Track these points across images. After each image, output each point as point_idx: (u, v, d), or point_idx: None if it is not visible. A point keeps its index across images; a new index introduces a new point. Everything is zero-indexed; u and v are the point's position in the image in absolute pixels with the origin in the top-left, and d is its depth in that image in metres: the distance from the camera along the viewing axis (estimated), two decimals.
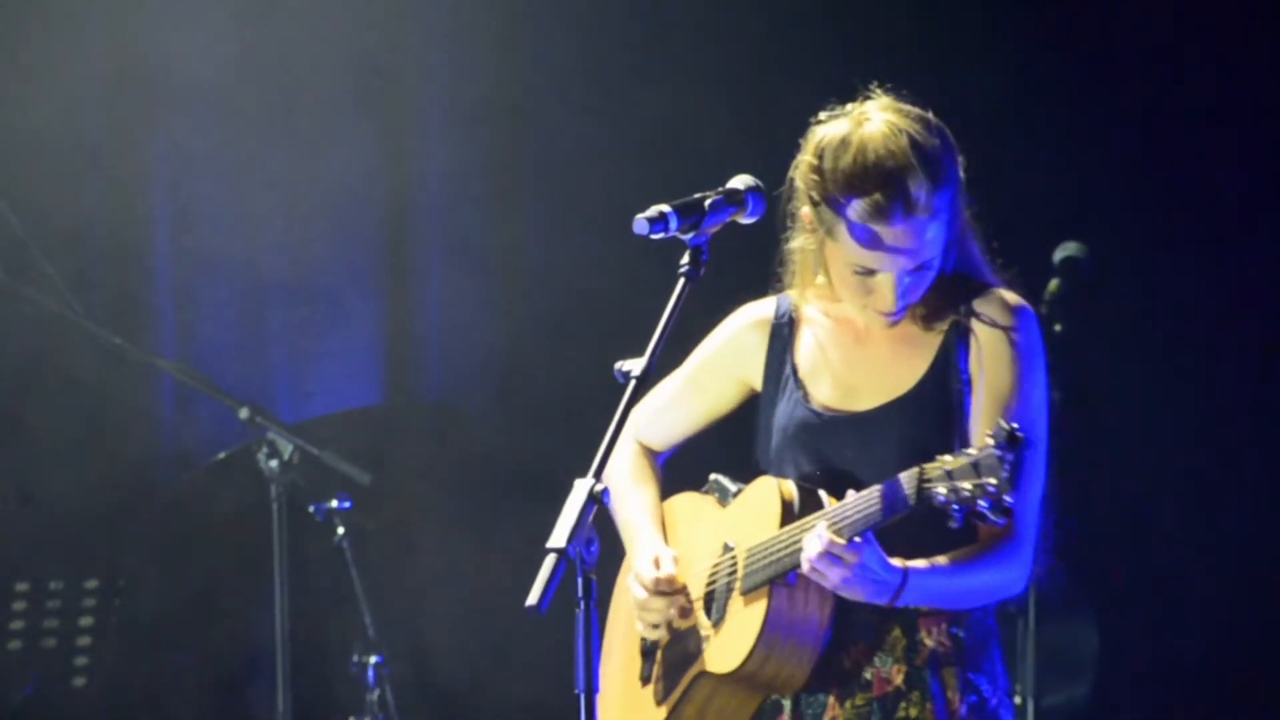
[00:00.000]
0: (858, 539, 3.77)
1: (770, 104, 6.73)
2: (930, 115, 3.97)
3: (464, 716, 6.92)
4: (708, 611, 4.09)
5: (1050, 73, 6.77)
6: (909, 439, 3.89)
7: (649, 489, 4.28)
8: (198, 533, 6.63)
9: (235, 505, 6.42)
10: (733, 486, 4.17)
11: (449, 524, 6.85)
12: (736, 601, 3.99)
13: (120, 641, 6.21)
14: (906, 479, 3.73)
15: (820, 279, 4.05)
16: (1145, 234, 6.70)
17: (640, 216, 3.69)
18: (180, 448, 6.97)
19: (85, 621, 6.11)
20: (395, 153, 7.25)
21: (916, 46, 6.73)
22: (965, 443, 3.90)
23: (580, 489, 3.52)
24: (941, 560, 3.88)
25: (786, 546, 3.90)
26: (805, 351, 4.12)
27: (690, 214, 3.73)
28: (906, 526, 3.82)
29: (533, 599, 3.40)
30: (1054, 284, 5.96)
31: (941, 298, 4.01)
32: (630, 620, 4.21)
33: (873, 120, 3.93)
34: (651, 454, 4.34)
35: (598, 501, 3.51)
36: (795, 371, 4.10)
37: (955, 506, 3.64)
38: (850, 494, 3.83)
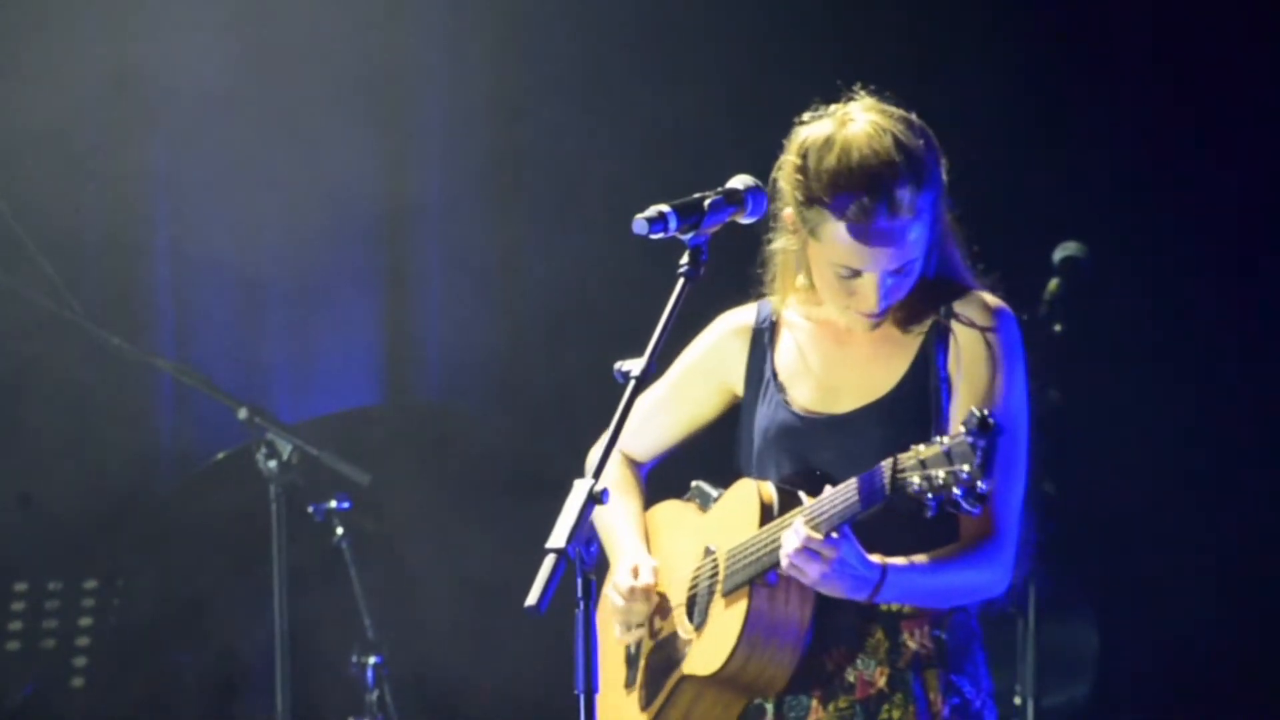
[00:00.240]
0: (835, 534, 3.78)
1: (770, 104, 6.69)
2: (914, 116, 3.98)
3: (463, 717, 6.92)
4: (690, 616, 4.09)
5: (1050, 73, 6.76)
6: (888, 440, 3.89)
7: (632, 498, 4.28)
8: (196, 533, 6.62)
9: (234, 506, 6.41)
10: (714, 492, 4.18)
11: (448, 524, 6.84)
12: (718, 604, 4.00)
13: (119, 642, 6.20)
14: (883, 469, 3.74)
15: (802, 280, 4.06)
16: (1145, 234, 6.69)
17: (639, 216, 3.69)
18: (179, 448, 6.96)
19: (84, 622, 6.11)
20: (394, 153, 7.25)
21: (916, 46, 6.73)
22: None
23: (579, 489, 3.53)
24: (921, 558, 3.89)
25: (766, 545, 3.90)
26: (786, 355, 4.13)
27: (690, 214, 3.72)
28: (887, 527, 3.84)
29: (532, 599, 3.40)
30: (1054, 284, 5.95)
31: (922, 300, 4.02)
32: (610, 629, 4.21)
33: (856, 121, 3.94)
34: (634, 464, 4.34)
35: (597, 501, 3.52)
36: (775, 375, 4.11)
37: (929, 495, 3.65)
38: (827, 489, 3.84)
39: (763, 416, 4.09)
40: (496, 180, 7.24)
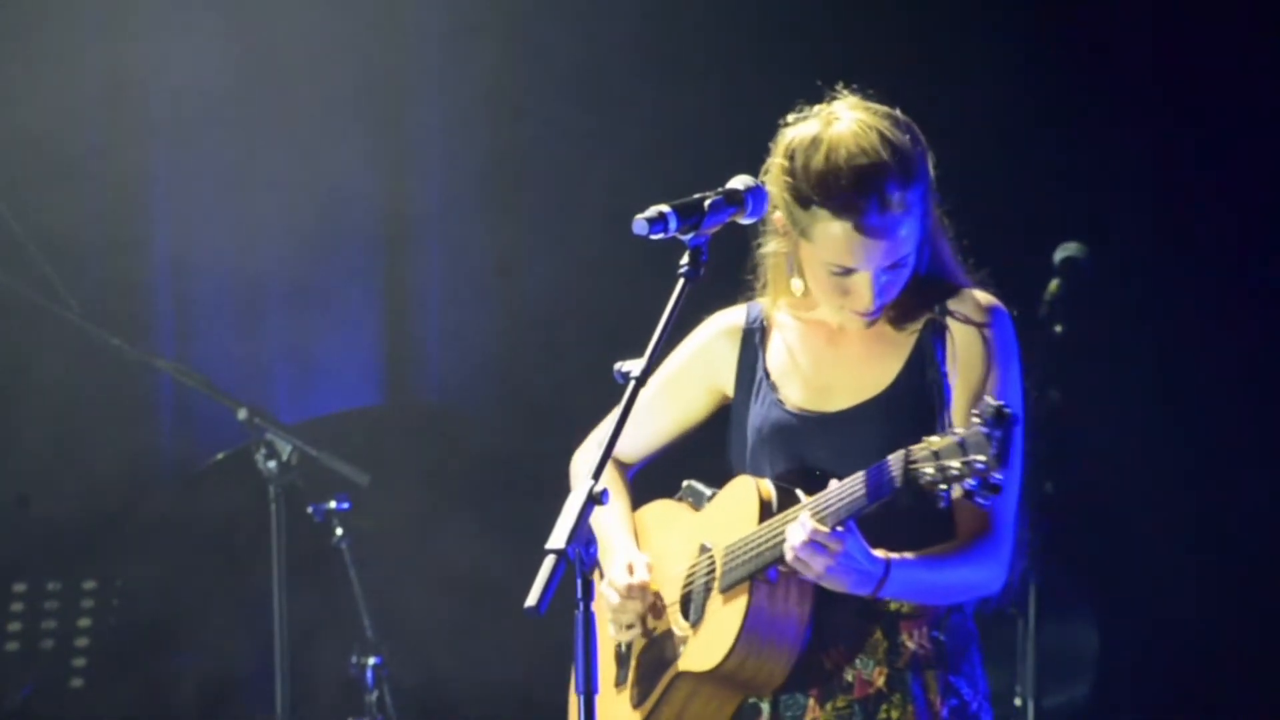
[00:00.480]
0: (840, 528, 3.78)
1: (770, 106, 6.72)
2: (898, 112, 3.98)
3: (462, 717, 6.91)
4: (685, 613, 4.09)
5: (1051, 73, 6.76)
6: (885, 437, 3.89)
7: (620, 499, 4.27)
8: (196, 534, 6.61)
9: (233, 506, 6.41)
10: (707, 491, 4.18)
11: (448, 525, 6.84)
12: (715, 600, 4.00)
13: (118, 643, 6.20)
14: (893, 461, 3.74)
15: (796, 283, 4.06)
16: (1145, 234, 6.69)
17: (639, 217, 3.69)
18: (179, 449, 6.96)
19: (83, 623, 6.11)
20: (394, 153, 7.24)
21: (916, 47, 6.72)
22: None
23: (579, 490, 3.52)
24: (923, 554, 3.89)
25: (767, 541, 3.90)
26: (777, 355, 4.13)
27: (690, 214, 3.72)
28: (884, 524, 3.84)
29: (532, 600, 3.40)
30: (1054, 284, 5.95)
31: (914, 298, 4.02)
32: (603, 627, 4.20)
33: (842, 119, 3.94)
34: (621, 466, 4.32)
35: (597, 502, 3.51)
36: (768, 374, 4.11)
37: (942, 486, 3.65)
38: (832, 483, 3.84)
39: (756, 415, 4.09)
40: (496, 181, 7.24)
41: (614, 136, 6.96)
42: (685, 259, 3.72)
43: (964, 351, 3.97)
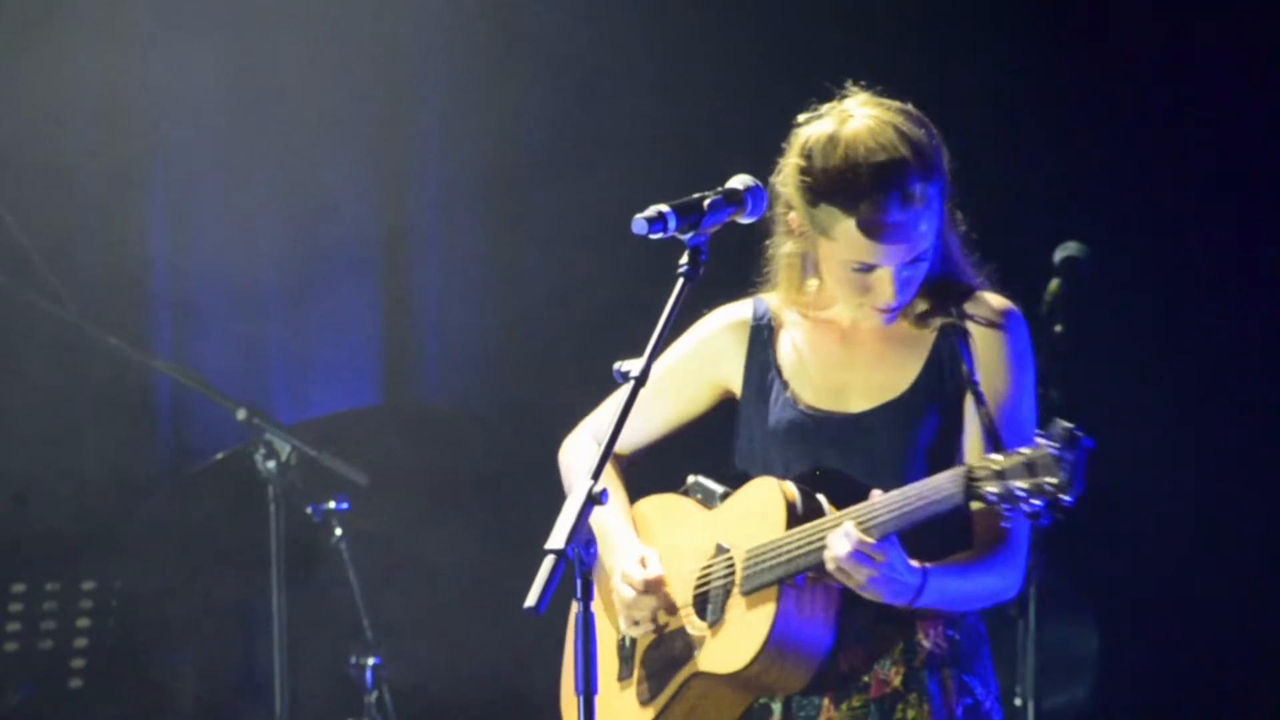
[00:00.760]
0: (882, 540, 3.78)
1: (769, 106, 6.71)
2: (910, 106, 3.97)
3: (461, 718, 6.91)
4: (700, 613, 4.07)
5: (1051, 72, 6.76)
6: (906, 440, 3.89)
7: (617, 491, 4.25)
8: (195, 534, 6.61)
9: (233, 507, 6.40)
10: (718, 488, 4.16)
11: (447, 525, 6.84)
12: (737, 603, 3.98)
13: (117, 643, 6.20)
14: (951, 478, 3.73)
15: (813, 283, 4.05)
16: (1146, 234, 6.69)
17: (639, 216, 3.68)
18: (178, 449, 6.95)
19: (82, 623, 6.10)
20: (392, 154, 7.24)
21: (916, 46, 6.72)
22: (960, 445, 3.90)
23: (578, 490, 3.51)
24: (953, 563, 3.89)
25: (799, 547, 3.88)
26: (788, 353, 4.11)
27: (689, 214, 3.71)
28: (907, 533, 3.82)
29: (531, 600, 3.39)
30: (1054, 284, 5.94)
31: (927, 300, 4.01)
32: (601, 620, 4.18)
33: (856, 117, 3.94)
34: (615, 457, 4.28)
35: (596, 502, 3.50)
36: (780, 373, 4.09)
37: (1007, 506, 3.64)
38: (875, 493, 3.82)
39: (769, 415, 4.07)
40: (494, 181, 7.23)
41: (612, 137, 6.95)
42: (685, 259, 3.71)
43: (984, 356, 3.97)
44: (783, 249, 4.08)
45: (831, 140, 3.93)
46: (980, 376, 3.95)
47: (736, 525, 4.04)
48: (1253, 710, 6.64)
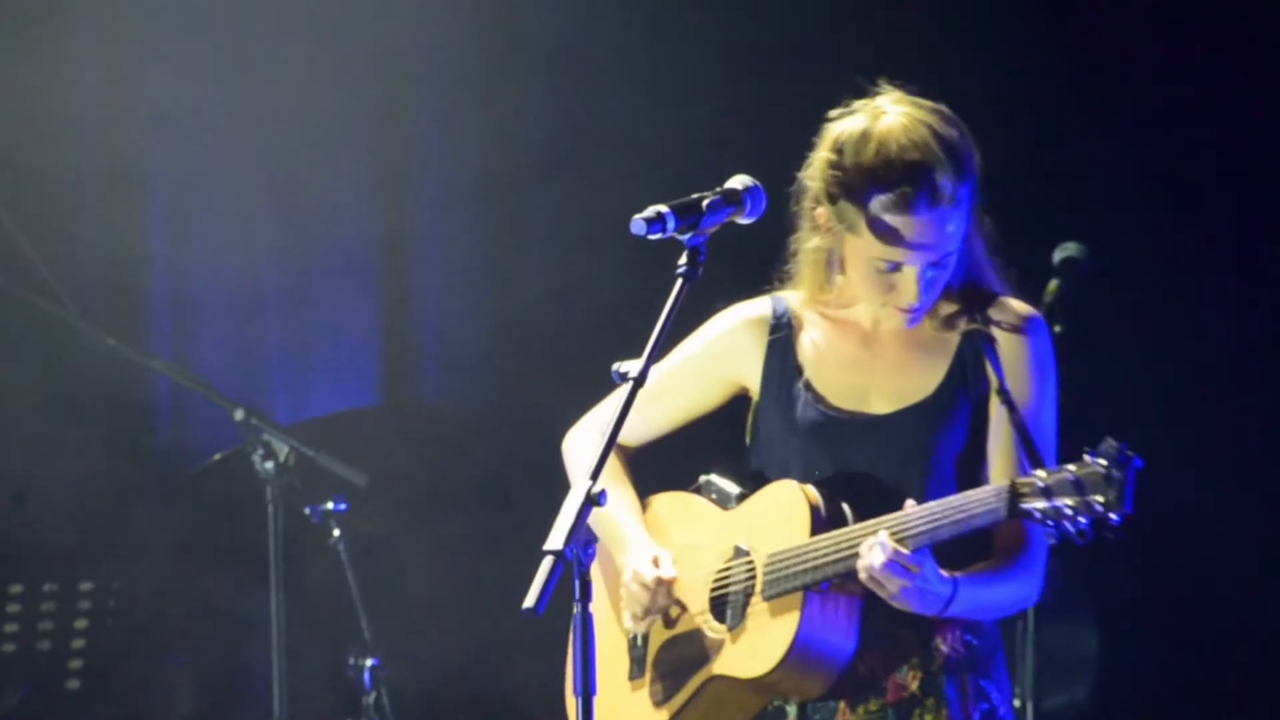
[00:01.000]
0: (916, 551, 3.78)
1: (769, 107, 6.72)
2: (944, 107, 3.96)
3: (459, 719, 6.91)
4: (718, 615, 4.06)
5: (1050, 72, 6.75)
6: (929, 444, 3.90)
7: (627, 487, 4.24)
8: (193, 534, 6.61)
9: (231, 507, 6.39)
10: (733, 489, 4.14)
11: (445, 526, 6.83)
12: (759, 608, 3.96)
13: (115, 644, 6.19)
14: (994, 493, 3.72)
15: (839, 280, 4.03)
16: (1145, 234, 6.68)
17: (638, 217, 3.67)
18: (175, 449, 6.95)
19: (80, 624, 6.09)
20: (392, 154, 7.23)
21: (915, 45, 6.71)
22: (984, 451, 3.90)
23: (577, 491, 3.50)
24: (980, 572, 3.88)
25: (826, 554, 3.87)
26: (809, 353, 4.09)
27: (688, 214, 3.70)
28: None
29: (530, 601, 3.38)
30: (1053, 285, 5.93)
31: (954, 304, 4.00)
32: (610, 619, 4.17)
33: (889, 114, 3.93)
34: (622, 451, 4.28)
35: (595, 503, 3.49)
36: (801, 372, 4.07)
37: (1051, 523, 3.63)
38: (909, 504, 3.81)
39: (788, 414, 4.05)
40: (493, 182, 7.22)
41: (613, 136, 6.95)
42: (683, 259, 3.70)
43: (1007, 362, 3.96)
44: (808, 244, 4.06)
45: (864, 136, 3.92)
46: (1007, 383, 3.94)
47: (756, 528, 4.03)
48: (1253, 710, 6.63)
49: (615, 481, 4.23)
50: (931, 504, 3.78)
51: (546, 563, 3.42)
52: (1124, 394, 6.61)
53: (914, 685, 3.95)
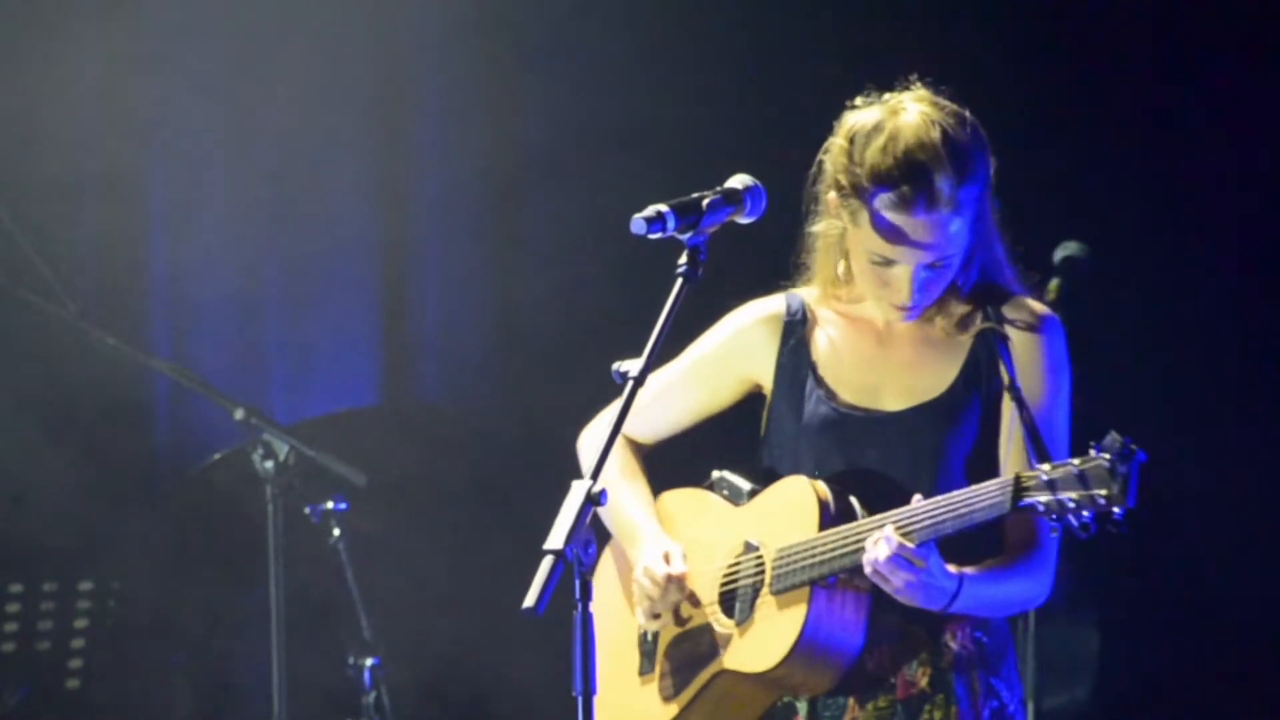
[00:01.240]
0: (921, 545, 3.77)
1: (769, 107, 6.71)
2: (966, 112, 3.96)
3: (460, 718, 6.90)
4: (727, 610, 4.05)
5: (1051, 70, 6.75)
6: (940, 442, 3.90)
7: (640, 483, 4.25)
8: (192, 534, 6.61)
9: (230, 506, 6.39)
10: (745, 485, 4.14)
11: (445, 525, 6.83)
12: (767, 602, 3.96)
13: (114, 643, 6.19)
14: (999, 486, 3.71)
15: (842, 268, 4.03)
16: (1147, 233, 6.68)
17: (638, 216, 3.67)
18: (175, 449, 6.94)
19: (80, 623, 6.09)
20: (393, 153, 7.23)
21: (917, 44, 6.70)
22: (995, 450, 3.89)
23: (577, 490, 3.50)
24: (987, 568, 3.88)
25: (833, 549, 3.87)
26: (823, 350, 4.09)
27: (688, 214, 3.71)
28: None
29: (530, 600, 3.38)
30: (1054, 284, 5.93)
31: (969, 303, 4.00)
32: (622, 614, 4.18)
33: (907, 111, 3.93)
34: (637, 448, 4.29)
35: (595, 503, 3.50)
36: (814, 370, 4.07)
37: (1055, 516, 3.62)
38: (916, 498, 3.80)
39: (801, 411, 4.05)
40: (495, 181, 7.22)
41: (613, 137, 6.94)
42: (683, 258, 3.70)
43: (1020, 361, 3.96)
44: (818, 227, 4.07)
45: (875, 129, 3.92)
46: (1020, 382, 3.93)
47: (766, 523, 4.03)
48: (1255, 710, 6.63)
49: (630, 478, 4.24)
50: (939, 498, 3.78)
51: (546, 562, 3.42)
52: (1125, 393, 6.60)
53: (923, 682, 3.95)
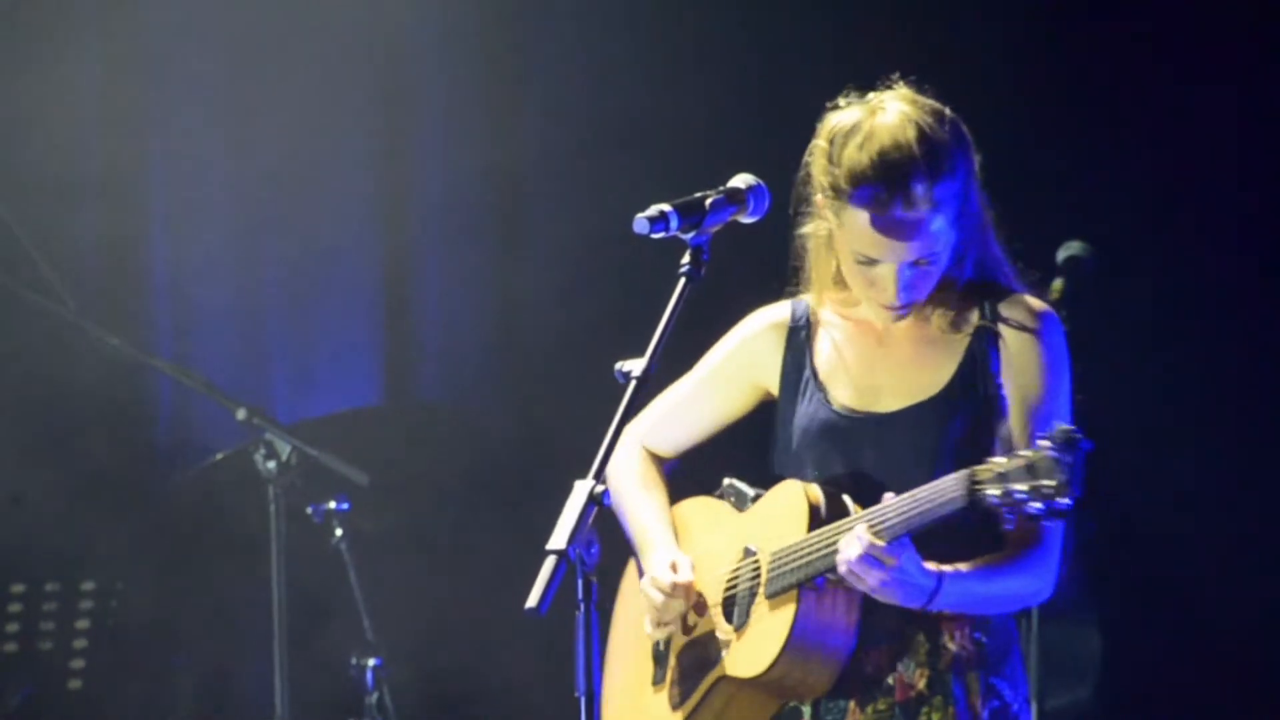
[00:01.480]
0: (894, 543, 3.76)
1: (770, 105, 6.71)
2: (946, 110, 3.95)
3: (462, 719, 6.90)
4: (728, 616, 4.06)
5: (1054, 69, 6.75)
6: (936, 441, 3.88)
7: (658, 493, 4.25)
8: (194, 534, 6.61)
9: (232, 506, 6.39)
10: (750, 491, 4.15)
11: (447, 525, 6.83)
12: (761, 606, 3.97)
13: (117, 644, 6.18)
14: (955, 481, 3.70)
15: (835, 267, 4.03)
16: (1150, 233, 6.67)
17: (641, 215, 3.67)
18: (177, 449, 6.94)
19: (82, 624, 6.09)
20: (395, 153, 7.23)
21: (918, 44, 6.69)
22: (993, 448, 3.89)
23: (580, 490, 3.50)
24: (973, 566, 3.86)
25: (817, 549, 3.86)
26: (824, 354, 4.09)
27: (691, 213, 3.70)
28: (931, 534, 3.80)
29: (533, 601, 3.38)
30: (1058, 283, 5.92)
31: (965, 302, 4.00)
32: (639, 624, 4.19)
33: (886, 110, 3.92)
34: (658, 460, 4.31)
35: (597, 503, 3.49)
36: (815, 374, 4.07)
37: (1007, 509, 3.62)
38: (888, 496, 3.81)
39: (802, 415, 4.05)
40: (496, 181, 7.22)
41: (614, 136, 6.94)
42: (686, 258, 3.70)
43: (1017, 359, 3.95)
44: (806, 228, 4.07)
45: (853, 129, 3.92)
46: (1013, 379, 3.93)
47: (763, 528, 4.03)
48: (1257, 710, 6.63)
49: (646, 488, 4.25)
50: (904, 495, 3.77)
51: (549, 562, 3.42)
52: (1129, 392, 6.60)
53: (921, 684, 3.94)
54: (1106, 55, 6.78)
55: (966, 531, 3.81)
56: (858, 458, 3.97)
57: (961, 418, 3.93)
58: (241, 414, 6.04)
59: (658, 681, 4.16)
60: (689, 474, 4.35)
